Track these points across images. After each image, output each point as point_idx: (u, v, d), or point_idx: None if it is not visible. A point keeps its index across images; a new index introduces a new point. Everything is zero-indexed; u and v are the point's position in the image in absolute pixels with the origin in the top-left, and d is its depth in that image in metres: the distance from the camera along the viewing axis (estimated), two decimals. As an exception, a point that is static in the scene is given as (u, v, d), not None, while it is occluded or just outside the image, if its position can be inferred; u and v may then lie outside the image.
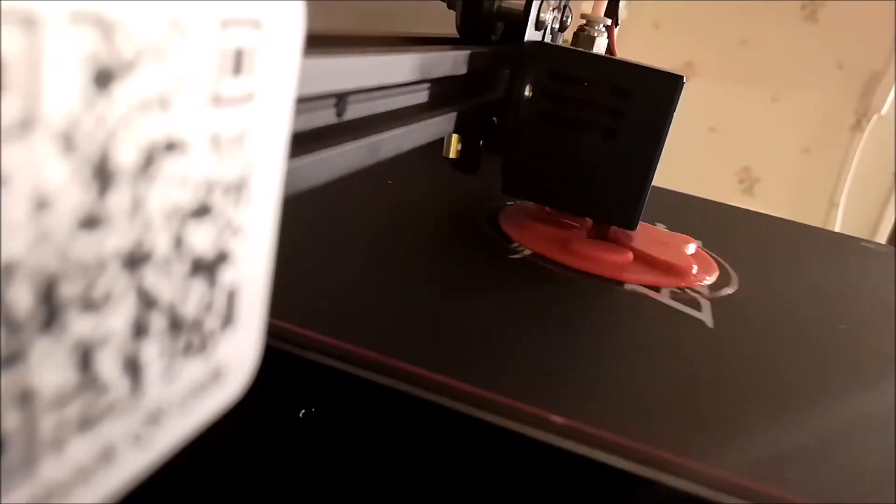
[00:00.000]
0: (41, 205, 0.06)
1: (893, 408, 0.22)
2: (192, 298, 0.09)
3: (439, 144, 0.30)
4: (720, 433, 0.19)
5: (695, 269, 0.31)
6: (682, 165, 0.90)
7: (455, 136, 0.30)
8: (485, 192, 0.36)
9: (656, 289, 0.29)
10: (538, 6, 0.31)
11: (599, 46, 0.37)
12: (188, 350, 0.09)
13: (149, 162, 0.08)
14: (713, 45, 1.08)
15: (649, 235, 0.34)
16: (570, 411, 0.18)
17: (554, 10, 0.33)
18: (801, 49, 1.05)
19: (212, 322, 0.10)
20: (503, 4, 0.31)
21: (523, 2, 0.30)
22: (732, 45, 1.08)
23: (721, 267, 0.33)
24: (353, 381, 0.18)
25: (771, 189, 1.12)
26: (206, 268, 0.09)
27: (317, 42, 0.14)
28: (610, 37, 0.38)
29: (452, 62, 0.25)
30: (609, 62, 0.30)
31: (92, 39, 0.06)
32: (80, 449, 0.08)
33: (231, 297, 0.10)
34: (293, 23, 0.09)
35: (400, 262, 0.27)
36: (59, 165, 0.07)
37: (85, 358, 0.08)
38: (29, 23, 0.06)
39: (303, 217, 0.28)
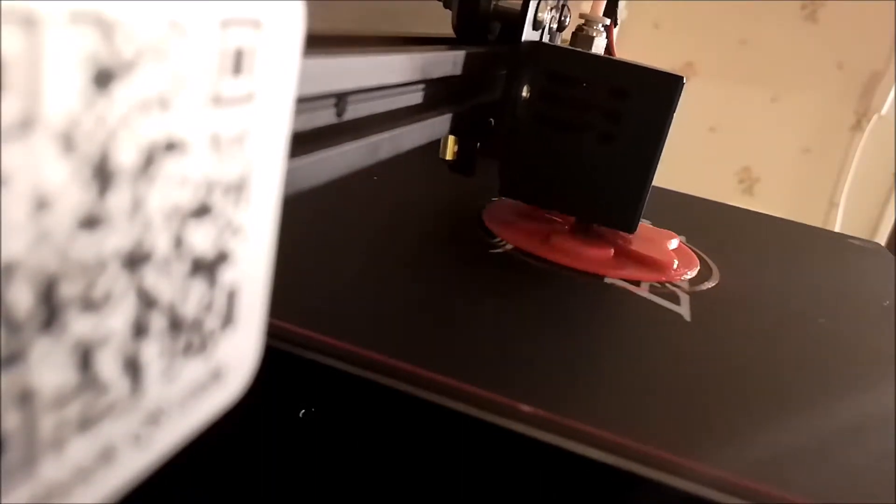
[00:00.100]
0: (41, 205, 0.06)
1: (889, 408, 0.22)
2: (192, 298, 0.09)
3: (436, 145, 0.30)
4: (688, 424, 0.19)
5: (675, 264, 0.31)
6: (682, 165, 0.90)
7: (451, 138, 0.30)
8: (484, 190, 0.36)
9: (636, 283, 0.29)
10: (535, 6, 0.30)
11: (598, 46, 0.37)
12: (188, 350, 0.09)
13: (149, 162, 0.08)
14: (713, 45, 1.08)
15: (633, 231, 0.34)
16: (542, 403, 0.18)
17: (552, 9, 0.32)
18: (801, 49, 1.05)
19: (212, 322, 0.10)
20: (500, 4, 0.31)
21: (521, 1, 0.30)
22: (732, 45, 1.08)
23: (703, 262, 0.33)
24: (353, 381, 0.18)
25: (771, 189, 1.12)
26: (206, 268, 0.09)
27: (317, 42, 0.14)
28: (609, 37, 0.37)
29: (452, 62, 0.25)
30: (607, 62, 0.30)
31: (92, 39, 0.06)
32: (80, 449, 0.08)
33: (231, 297, 0.10)
34: (293, 23, 0.09)
35: (398, 261, 0.27)
36: (59, 165, 0.07)
37: (85, 358, 0.08)
38: (29, 23, 0.06)
39: (303, 217, 0.28)
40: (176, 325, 0.09)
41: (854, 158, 1.07)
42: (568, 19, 0.35)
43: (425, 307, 0.24)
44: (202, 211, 0.09)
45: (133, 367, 0.08)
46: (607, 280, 0.29)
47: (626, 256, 0.31)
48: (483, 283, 0.27)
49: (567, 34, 0.38)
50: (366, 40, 0.21)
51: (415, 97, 0.24)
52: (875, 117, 1.04)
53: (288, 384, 0.19)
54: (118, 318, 0.08)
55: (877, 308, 0.33)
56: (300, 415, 0.19)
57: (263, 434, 0.20)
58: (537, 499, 0.18)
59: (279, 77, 0.10)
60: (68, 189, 0.07)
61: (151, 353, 0.09)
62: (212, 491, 0.20)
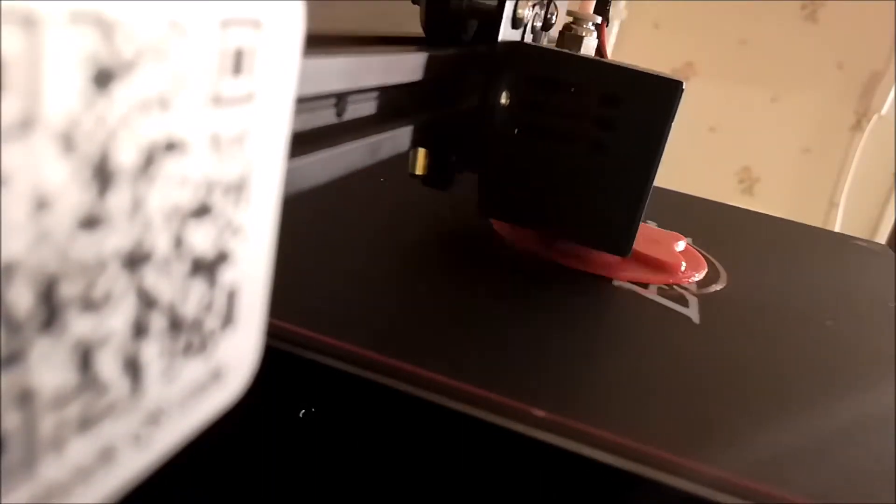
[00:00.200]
0: (41, 205, 0.06)
1: (889, 408, 0.22)
2: (192, 298, 0.09)
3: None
4: (694, 426, 0.19)
5: (683, 266, 0.31)
6: (682, 165, 0.90)
7: (422, 151, 0.27)
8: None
9: (644, 285, 0.29)
10: (514, 1, 0.27)
11: (588, 47, 0.33)
12: (188, 350, 0.09)
13: (149, 162, 0.08)
14: (713, 45, 1.08)
15: (639, 232, 0.33)
16: (553, 406, 0.18)
17: (535, 6, 0.29)
18: (801, 49, 1.05)
19: (212, 322, 0.10)
20: (475, 0, 0.27)
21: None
22: (732, 45, 1.08)
23: (710, 264, 0.33)
24: (353, 381, 0.18)
25: (771, 189, 1.12)
26: (206, 268, 0.09)
27: (317, 42, 0.14)
28: (600, 37, 0.34)
29: (419, 66, 0.23)
30: (597, 65, 0.26)
31: (92, 39, 0.06)
32: (80, 449, 0.08)
33: (231, 297, 0.10)
34: (293, 23, 0.09)
35: (399, 261, 0.27)
36: (59, 165, 0.07)
37: (85, 358, 0.08)
38: (29, 23, 0.06)
39: (303, 217, 0.28)
40: (176, 325, 0.09)
41: (854, 158, 1.07)
42: (555, 17, 0.32)
43: (427, 308, 0.24)
44: (202, 211, 0.09)
45: (133, 368, 0.08)
46: (615, 282, 0.28)
47: (634, 258, 0.31)
48: (488, 284, 0.27)
49: (555, 34, 0.35)
50: (364, 40, 0.21)
51: (370, 105, 0.22)
52: (875, 117, 1.04)
53: (288, 384, 0.19)
54: (118, 318, 0.08)
55: (883, 310, 0.33)
56: (300, 415, 0.19)
57: (263, 434, 0.20)
58: (537, 499, 0.18)
59: (279, 77, 0.10)
60: (68, 189, 0.07)
61: (151, 353, 0.09)
62: (212, 491, 0.20)
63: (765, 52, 1.07)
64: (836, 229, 1.06)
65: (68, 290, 0.07)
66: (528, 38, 0.30)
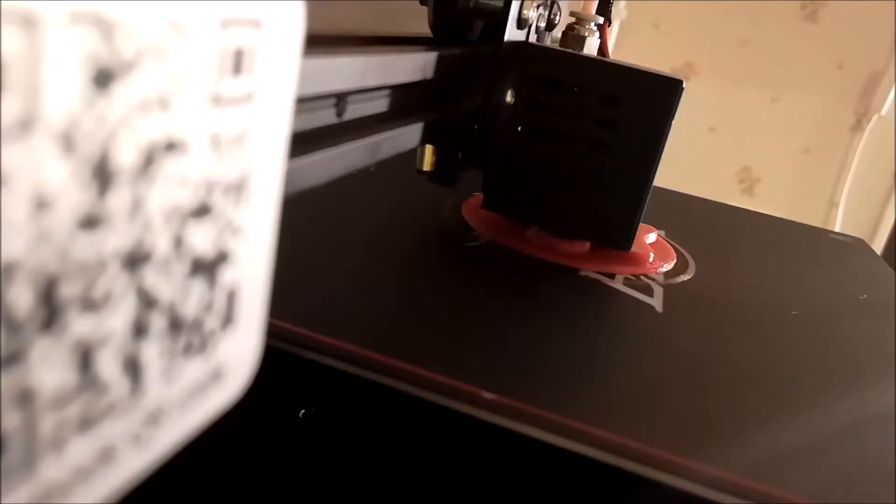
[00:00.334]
0: (41, 205, 0.06)
1: (873, 406, 0.22)
2: (192, 298, 0.09)
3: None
4: (639, 409, 0.19)
5: (652, 258, 0.31)
6: (682, 165, 0.90)
7: (429, 148, 0.27)
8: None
9: (611, 276, 0.29)
10: (520, 3, 0.27)
11: (590, 47, 0.34)
12: (188, 350, 0.10)
13: (149, 162, 0.08)
14: (713, 45, 1.08)
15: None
16: (506, 391, 0.18)
17: (539, 6, 0.29)
18: (801, 49, 1.05)
19: (212, 322, 0.10)
20: (482, 1, 0.28)
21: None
22: (732, 45, 1.08)
23: (680, 255, 0.34)
24: (353, 381, 0.18)
25: (771, 189, 1.12)
26: (206, 268, 0.09)
27: (317, 42, 0.14)
28: (602, 37, 0.34)
29: (428, 65, 0.23)
30: (600, 65, 0.27)
31: (92, 39, 0.06)
32: (80, 449, 0.08)
33: (231, 297, 0.10)
34: (293, 23, 0.09)
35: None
36: (59, 165, 0.07)
37: (85, 358, 0.08)
38: (29, 23, 0.06)
39: (303, 217, 0.28)
40: (176, 325, 0.09)
41: (854, 158, 1.07)
42: (558, 18, 0.33)
43: (412, 306, 0.24)
44: (202, 211, 0.09)
45: (133, 368, 0.08)
46: (582, 273, 0.29)
47: (603, 250, 0.31)
48: (458, 277, 0.27)
49: (559, 34, 0.35)
50: (364, 40, 0.21)
51: (382, 103, 0.22)
52: (875, 117, 1.04)
53: (288, 384, 0.19)
54: (118, 319, 0.08)
55: (853, 301, 0.33)
56: (300, 415, 0.19)
57: (263, 434, 0.20)
58: (536, 499, 0.18)
59: (279, 77, 0.10)
60: (68, 189, 0.07)
61: (151, 353, 0.09)
62: (212, 491, 0.20)
63: (765, 53, 1.07)
64: (836, 229, 1.06)
65: (68, 290, 0.07)
66: (533, 38, 0.31)
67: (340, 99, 0.19)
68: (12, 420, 0.07)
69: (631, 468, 0.17)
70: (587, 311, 0.26)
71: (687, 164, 1.05)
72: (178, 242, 0.09)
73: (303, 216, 0.28)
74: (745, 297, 0.30)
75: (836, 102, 1.06)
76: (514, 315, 0.24)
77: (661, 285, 0.29)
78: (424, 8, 0.28)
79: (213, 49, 0.08)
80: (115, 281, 0.08)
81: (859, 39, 1.03)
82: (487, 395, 0.18)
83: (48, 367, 0.07)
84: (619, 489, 0.17)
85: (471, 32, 0.29)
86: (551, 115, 0.27)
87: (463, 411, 0.18)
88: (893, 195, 1.07)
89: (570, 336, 0.23)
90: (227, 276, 0.10)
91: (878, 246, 1.07)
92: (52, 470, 0.08)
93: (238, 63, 0.09)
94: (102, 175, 0.07)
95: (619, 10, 1.08)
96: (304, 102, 0.17)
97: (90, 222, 0.07)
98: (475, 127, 0.28)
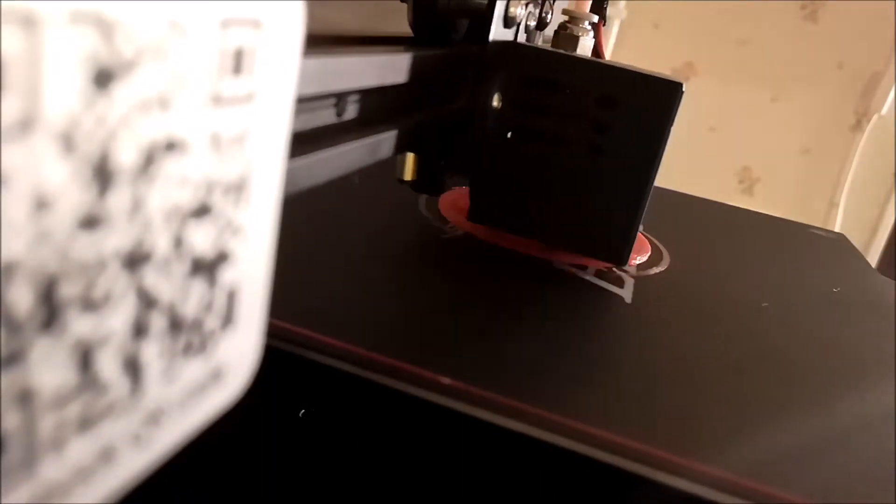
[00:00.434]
0: (41, 205, 0.06)
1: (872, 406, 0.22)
2: (192, 298, 0.09)
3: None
4: (601, 395, 0.19)
5: None
6: (682, 165, 0.90)
7: (410, 156, 0.26)
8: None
9: (583, 267, 0.29)
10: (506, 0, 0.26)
11: (584, 47, 0.32)
12: (188, 350, 0.10)
13: (149, 162, 0.08)
14: (713, 45, 1.08)
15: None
16: (463, 380, 0.18)
17: (529, 4, 0.28)
18: (801, 49, 1.05)
19: (212, 322, 0.10)
20: None
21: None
22: (732, 45, 1.08)
23: (655, 249, 0.34)
24: (353, 381, 0.18)
25: (771, 189, 1.12)
26: (206, 268, 0.09)
27: (317, 42, 0.14)
28: (597, 36, 0.32)
29: (408, 67, 0.22)
30: (593, 66, 0.25)
31: (92, 39, 0.06)
32: (80, 449, 0.08)
33: (231, 297, 0.10)
34: (293, 23, 0.09)
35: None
36: (59, 165, 0.07)
37: (85, 358, 0.08)
38: (29, 23, 0.06)
39: (303, 217, 0.28)
40: (176, 325, 0.09)
41: (854, 158, 1.07)
42: (550, 16, 0.31)
43: (397, 304, 0.24)
44: (202, 211, 0.09)
45: (133, 368, 0.08)
46: (555, 265, 0.29)
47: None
48: (431, 269, 0.27)
49: (550, 33, 0.33)
50: (364, 40, 0.21)
51: (371, 105, 0.21)
52: (875, 117, 1.04)
53: (288, 384, 0.19)
54: (118, 318, 0.08)
55: (824, 294, 0.33)
56: (300, 415, 0.19)
57: (263, 434, 0.20)
58: (536, 499, 0.18)
59: (279, 77, 0.10)
60: (68, 189, 0.07)
61: (151, 353, 0.09)
62: (212, 491, 0.20)
63: (765, 52, 1.07)
64: (836, 229, 1.06)
65: (68, 290, 0.07)
66: (522, 38, 0.29)
67: (340, 99, 0.19)
68: (12, 420, 0.07)
69: (631, 468, 0.17)
70: (555, 302, 0.26)
71: (687, 164, 1.05)
72: (178, 242, 0.09)
73: (303, 216, 0.28)
74: (716, 289, 0.31)
75: (836, 102, 1.06)
76: (486, 308, 0.24)
77: (632, 277, 0.29)
78: (406, 6, 0.27)
79: (213, 49, 0.08)
80: (115, 281, 0.08)
81: (859, 39, 1.03)
82: (487, 395, 0.18)
83: (48, 367, 0.07)
84: (618, 489, 0.17)
85: (455, 31, 0.27)
86: (542, 120, 0.26)
87: (464, 412, 0.18)
88: (893, 195, 1.07)
89: (534, 327, 0.23)
90: (227, 276, 0.10)
91: (878, 246, 1.07)
92: (52, 470, 0.08)
93: (238, 63, 0.09)
94: (102, 175, 0.07)
95: (618, 10, 1.08)
96: (304, 102, 0.17)
97: (90, 222, 0.07)
98: (458, 133, 0.27)
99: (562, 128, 0.26)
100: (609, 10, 0.35)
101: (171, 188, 0.08)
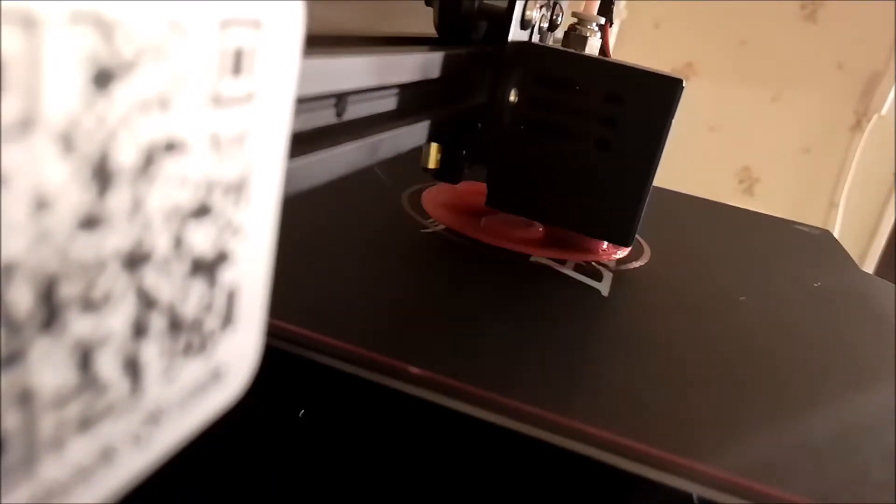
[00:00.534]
0: (41, 205, 0.06)
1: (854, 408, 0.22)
2: (191, 299, 0.09)
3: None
4: (570, 384, 0.20)
5: (605, 245, 0.32)
6: (682, 165, 0.90)
7: (434, 146, 0.28)
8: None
9: (562, 262, 0.29)
10: (523, 3, 0.28)
11: (592, 47, 0.34)
12: (188, 350, 0.09)
13: (149, 162, 0.08)
14: (713, 45, 1.08)
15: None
16: (435, 368, 0.19)
17: (542, 7, 0.30)
18: (801, 49, 1.05)
19: (212, 322, 0.10)
20: (486, 2, 0.29)
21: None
22: (732, 45, 1.08)
23: (637, 244, 0.34)
24: (353, 381, 0.18)
25: (771, 189, 1.12)
26: (206, 268, 0.09)
27: (317, 42, 0.14)
28: (604, 37, 0.35)
29: (437, 64, 0.24)
30: (601, 65, 0.28)
31: (92, 39, 0.06)
32: (80, 449, 0.08)
33: (231, 297, 0.10)
34: (293, 23, 0.09)
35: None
36: (59, 165, 0.07)
37: (85, 358, 0.08)
38: (29, 23, 0.06)
39: (303, 217, 0.28)
40: (176, 325, 0.09)
41: (854, 158, 1.07)
42: (561, 18, 0.33)
43: (388, 301, 0.24)
44: (202, 211, 0.09)
45: (133, 368, 0.08)
46: (533, 259, 0.29)
47: (556, 237, 0.32)
48: (410, 263, 0.27)
49: (560, 34, 0.36)
50: (365, 40, 0.21)
51: (390, 102, 0.23)
52: (875, 117, 1.04)
53: (288, 384, 0.19)
54: (118, 319, 0.08)
55: (804, 289, 0.33)
56: (300, 415, 0.19)
57: (263, 434, 0.20)
58: (536, 498, 0.18)
59: (279, 77, 0.10)
60: (68, 189, 0.07)
61: (151, 353, 0.09)
62: (212, 491, 0.20)
63: (765, 52, 1.07)
64: (836, 229, 1.06)
65: (68, 290, 0.07)
66: (535, 39, 0.31)
67: (340, 99, 0.19)
68: (12, 420, 0.07)
69: (631, 468, 0.17)
70: (532, 296, 0.26)
71: (687, 164, 1.05)
72: (178, 242, 0.09)
73: (303, 216, 0.28)
74: (695, 283, 0.31)
75: (836, 102, 1.06)
76: (464, 302, 0.25)
77: (611, 271, 0.30)
78: (430, 9, 0.29)
79: (213, 49, 0.08)
80: (115, 281, 0.08)
81: (859, 39, 1.02)
82: (488, 395, 0.18)
83: (48, 367, 0.07)
84: (618, 489, 0.17)
85: (475, 32, 0.30)
86: (554, 114, 0.28)
87: (464, 411, 0.18)
88: (893, 195, 1.07)
89: (510, 318, 0.24)
90: (226, 276, 0.10)
91: (878, 246, 1.07)
92: (52, 470, 0.08)
93: (238, 63, 0.09)
94: (102, 175, 0.07)
95: (618, 10, 1.08)
96: (304, 102, 0.17)
97: (90, 222, 0.07)
98: (479, 125, 0.29)
99: (572, 121, 0.28)
100: (613, 12, 0.37)
101: (170, 188, 0.08)
